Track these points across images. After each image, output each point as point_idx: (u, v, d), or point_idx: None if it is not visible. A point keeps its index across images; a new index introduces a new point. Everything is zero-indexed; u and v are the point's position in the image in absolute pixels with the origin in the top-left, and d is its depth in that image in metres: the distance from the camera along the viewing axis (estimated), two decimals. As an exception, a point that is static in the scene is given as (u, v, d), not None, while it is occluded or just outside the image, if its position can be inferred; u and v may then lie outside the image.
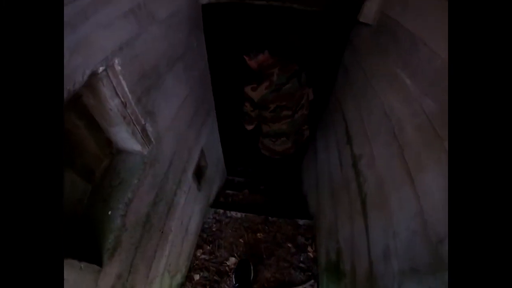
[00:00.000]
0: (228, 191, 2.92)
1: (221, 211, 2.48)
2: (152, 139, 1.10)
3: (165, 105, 1.22)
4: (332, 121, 2.12)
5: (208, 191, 2.42)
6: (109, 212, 0.96)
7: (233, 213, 2.47)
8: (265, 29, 2.75)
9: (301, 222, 2.43)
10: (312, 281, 2.04)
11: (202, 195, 2.15)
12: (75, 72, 0.66)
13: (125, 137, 0.99)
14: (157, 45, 1.08)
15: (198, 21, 1.63)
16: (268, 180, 3.14)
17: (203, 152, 1.97)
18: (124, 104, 0.89)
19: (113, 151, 1.06)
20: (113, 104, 0.85)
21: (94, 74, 0.74)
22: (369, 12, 1.48)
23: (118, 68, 0.83)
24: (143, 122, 1.01)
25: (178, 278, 1.87)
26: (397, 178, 1.06)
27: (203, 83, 1.84)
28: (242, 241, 2.30)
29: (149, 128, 1.06)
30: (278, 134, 2.03)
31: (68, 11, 0.59)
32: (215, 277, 2.06)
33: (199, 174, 1.96)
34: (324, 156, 2.28)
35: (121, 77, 0.85)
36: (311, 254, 2.22)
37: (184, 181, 1.62)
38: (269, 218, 2.46)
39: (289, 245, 2.28)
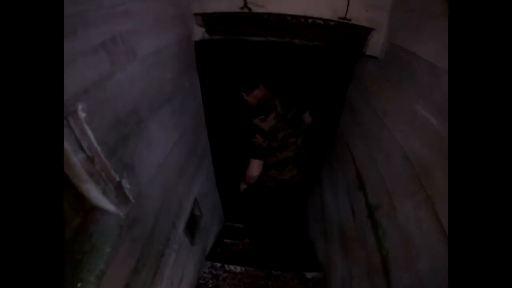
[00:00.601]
0: (226, 240, 2.67)
1: (218, 264, 2.22)
2: (131, 198, 0.91)
3: (148, 155, 1.04)
4: (339, 162, 2.00)
5: (204, 243, 2.19)
6: (79, 285, 0.77)
7: (232, 267, 2.21)
8: (263, 65, 2.72)
9: (309, 275, 2.19)
10: None
11: (196, 249, 1.92)
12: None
13: (97, 196, 0.81)
14: (137, 86, 0.93)
15: (191, 59, 1.52)
16: (271, 224, 2.95)
17: (197, 202, 1.78)
18: (91, 160, 0.71)
19: (86, 207, 0.88)
20: (76, 159, 0.67)
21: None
22: (376, 45, 1.37)
23: (82, 115, 0.66)
24: (117, 179, 0.83)
25: None
26: (426, 235, 0.88)
27: (196, 125, 1.70)
28: (243, 300, 2.04)
29: (126, 185, 0.88)
30: (285, 162, 2.02)
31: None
32: None
33: (192, 226, 1.75)
34: (331, 200, 2.11)
35: (86, 127, 0.68)
36: (321, 314, 1.95)
37: (173, 238, 1.40)
38: (273, 272, 2.21)
39: (297, 303, 2.02)
